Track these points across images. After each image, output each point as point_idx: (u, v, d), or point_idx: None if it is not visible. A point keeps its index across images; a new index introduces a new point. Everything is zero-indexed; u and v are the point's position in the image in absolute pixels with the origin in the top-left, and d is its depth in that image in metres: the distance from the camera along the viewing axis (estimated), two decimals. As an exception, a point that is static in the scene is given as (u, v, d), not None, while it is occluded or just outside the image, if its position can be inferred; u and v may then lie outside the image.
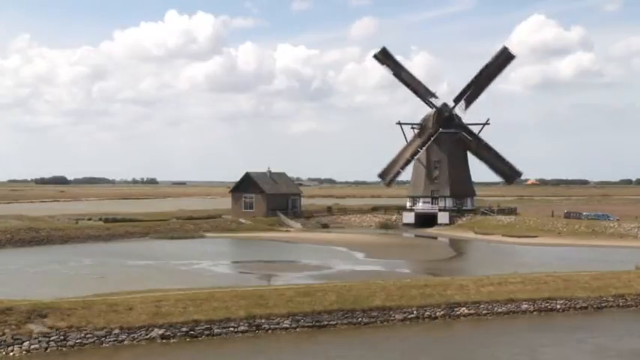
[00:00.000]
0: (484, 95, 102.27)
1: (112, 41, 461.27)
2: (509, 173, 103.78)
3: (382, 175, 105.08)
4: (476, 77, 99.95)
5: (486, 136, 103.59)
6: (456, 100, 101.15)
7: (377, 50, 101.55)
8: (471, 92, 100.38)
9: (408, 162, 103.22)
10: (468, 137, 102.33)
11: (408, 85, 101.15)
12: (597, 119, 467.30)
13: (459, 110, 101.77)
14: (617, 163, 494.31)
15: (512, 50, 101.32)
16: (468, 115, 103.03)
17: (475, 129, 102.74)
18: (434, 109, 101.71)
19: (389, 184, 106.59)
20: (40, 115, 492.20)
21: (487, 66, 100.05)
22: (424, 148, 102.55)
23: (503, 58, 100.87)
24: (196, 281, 43.13)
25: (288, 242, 77.90)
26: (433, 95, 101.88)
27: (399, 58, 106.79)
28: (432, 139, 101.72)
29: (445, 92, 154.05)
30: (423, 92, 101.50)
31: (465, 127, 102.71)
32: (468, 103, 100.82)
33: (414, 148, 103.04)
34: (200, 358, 28.61)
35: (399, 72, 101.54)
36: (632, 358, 29.81)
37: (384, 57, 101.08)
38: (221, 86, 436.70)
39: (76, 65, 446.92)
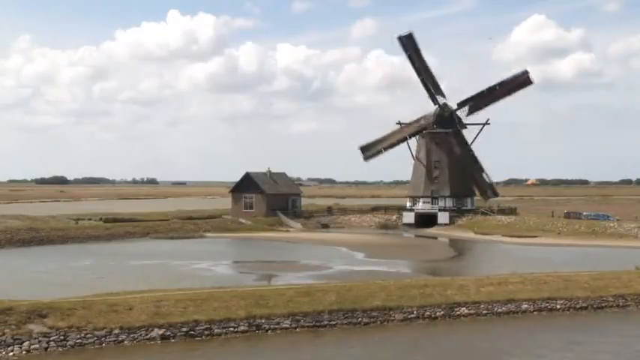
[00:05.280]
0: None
1: (113, 41, 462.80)
2: (487, 191, 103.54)
3: (364, 149, 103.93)
4: (487, 90, 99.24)
5: (486, 136, 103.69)
6: (460, 105, 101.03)
7: (403, 33, 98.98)
8: (477, 102, 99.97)
9: (392, 145, 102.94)
10: (459, 144, 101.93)
11: (419, 74, 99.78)
12: (597, 119, 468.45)
13: (460, 113, 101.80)
14: (617, 163, 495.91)
15: (533, 77, 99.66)
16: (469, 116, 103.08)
17: (474, 131, 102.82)
18: (436, 107, 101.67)
19: (367, 159, 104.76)
20: (40, 116, 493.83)
21: (501, 84, 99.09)
22: (412, 138, 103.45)
23: (521, 82, 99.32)
24: (196, 281, 43.14)
25: (288, 242, 77.89)
26: (441, 93, 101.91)
27: (398, 58, 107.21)
28: (424, 131, 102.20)
29: (444, 93, 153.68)
30: (432, 86, 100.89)
31: (459, 133, 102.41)
32: (471, 112, 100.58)
33: (403, 134, 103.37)
34: (200, 359, 28.57)
35: (416, 60, 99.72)
36: (633, 358, 29.80)
37: (409, 41, 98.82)
38: (222, 86, 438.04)
39: (77, 65, 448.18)
